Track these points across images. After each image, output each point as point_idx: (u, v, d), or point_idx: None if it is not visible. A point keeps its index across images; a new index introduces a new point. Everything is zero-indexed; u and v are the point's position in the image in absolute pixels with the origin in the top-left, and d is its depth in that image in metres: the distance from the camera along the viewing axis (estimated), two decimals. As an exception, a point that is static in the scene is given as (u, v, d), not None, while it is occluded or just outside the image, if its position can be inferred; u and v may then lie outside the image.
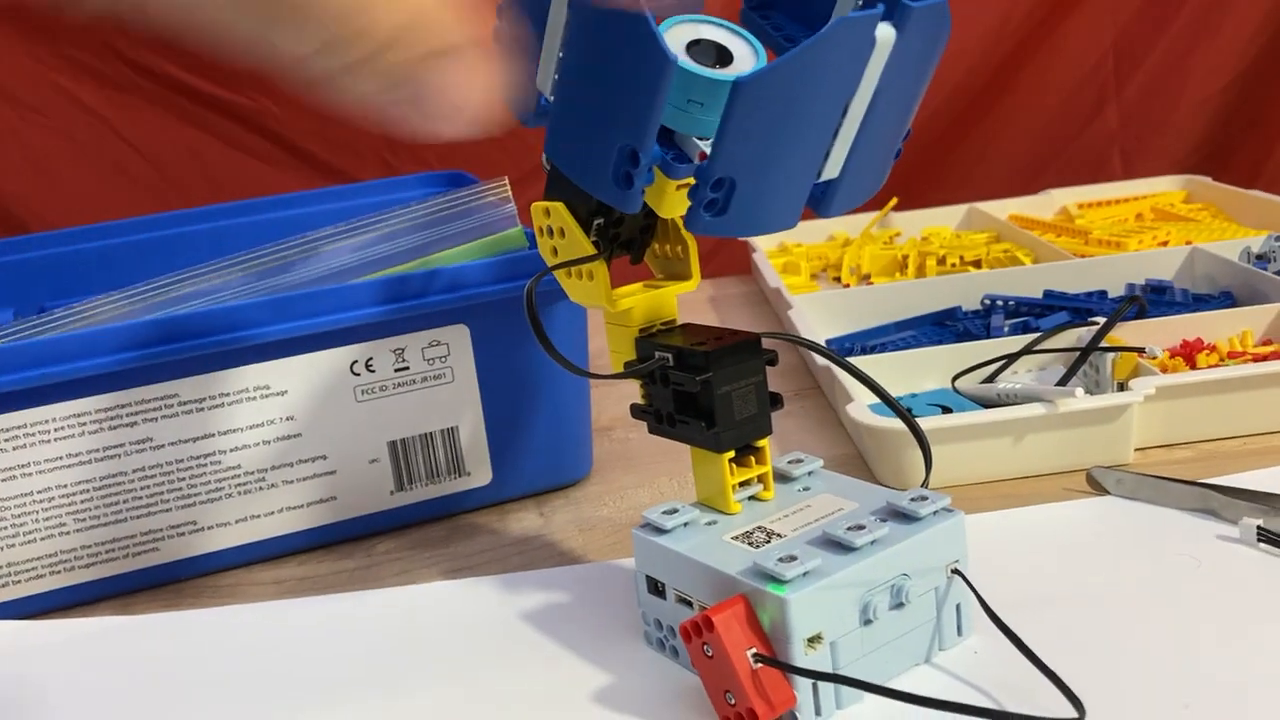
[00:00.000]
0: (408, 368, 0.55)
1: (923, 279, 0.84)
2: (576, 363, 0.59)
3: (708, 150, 0.38)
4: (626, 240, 0.46)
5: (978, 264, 0.88)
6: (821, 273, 0.95)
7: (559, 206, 0.44)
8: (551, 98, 0.39)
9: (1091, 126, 1.27)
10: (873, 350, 0.73)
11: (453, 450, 0.57)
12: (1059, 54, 1.26)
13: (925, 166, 1.22)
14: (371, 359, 0.54)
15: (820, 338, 0.75)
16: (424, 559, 0.54)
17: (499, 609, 0.48)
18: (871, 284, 0.87)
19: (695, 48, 0.40)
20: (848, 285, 0.89)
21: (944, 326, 0.76)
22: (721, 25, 0.41)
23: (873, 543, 0.39)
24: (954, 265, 0.87)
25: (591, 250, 0.44)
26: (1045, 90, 1.27)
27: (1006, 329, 0.73)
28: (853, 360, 0.65)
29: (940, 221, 1.00)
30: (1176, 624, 0.42)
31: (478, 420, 0.57)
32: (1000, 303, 0.76)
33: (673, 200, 0.40)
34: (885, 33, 0.34)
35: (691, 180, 0.37)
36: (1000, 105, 1.26)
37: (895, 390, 0.63)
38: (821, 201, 0.38)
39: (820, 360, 0.63)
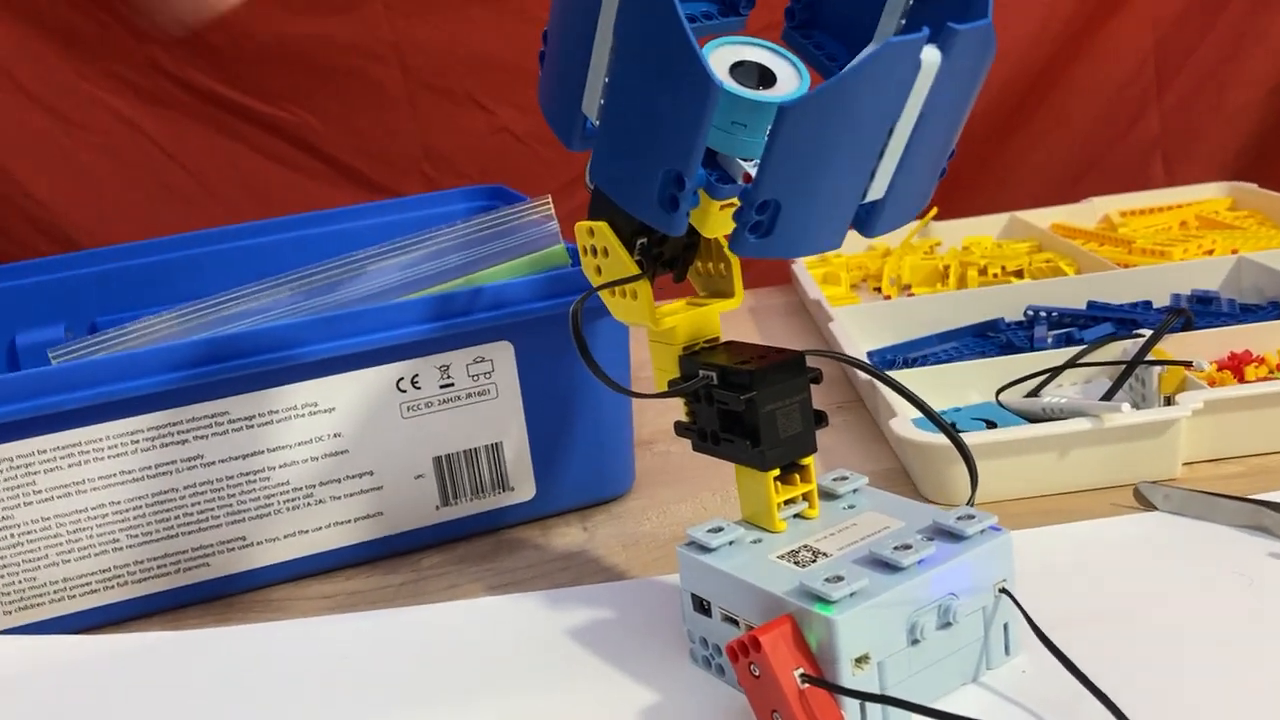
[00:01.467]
0: (453, 384, 0.55)
1: (964, 290, 0.84)
2: (618, 377, 0.59)
3: (751, 171, 0.39)
4: (670, 259, 0.46)
5: (1020, 274, 0.87)
6: (862, 283, 0.95)
7: (603, 226, 0.44)
8: (597, 122, 0.39)
9: (1133, 132, 1.26)
10: (915, 363, 0.73)
11: (497, 466, 0.57)
12: (1099, 59, 1.25)
13: (966, 175, 1.21)
14: (417, 376, 0.55)
15: (861, 350, 0.75)
16: (470, 574, 0.55)
17: (545, 625, 0.49)
18: (912, 295, 0.87)
19: (739, 69, 0.40)
20: (888, 296, 0.89)
21: (986, 338, 0.76)
22: (764, 46, 0.41)
23: (919, 562, 0.39)
24: (995, 275, 0.87)
25: (635, 270, 0.44)
26: (1086, 96, 1.26)
27: (1050, 340, 0.72)
28: (895, 374, 0.65)
29: (981, 231, 1.00)
30: (1227, 643, 0.42)
31: (521, 436, 0.57)
32: (1043, 314, 0.75)
33: (716, 220, 0.41)
34: (931, 56, 0.34)
35: (735, 201, 0.37)
36: (1040, 112, 1.25)
37: (938, 405, 0.63)
38: (866, 222, 0.38)
39: (863, 375, 0.63)
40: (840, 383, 0.75)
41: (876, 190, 0.37)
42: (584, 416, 0.59)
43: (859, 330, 0.76)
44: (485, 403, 0.56)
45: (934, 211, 0.99)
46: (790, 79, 0.40)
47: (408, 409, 0.55)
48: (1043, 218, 0.99)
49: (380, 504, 0.56)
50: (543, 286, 0.55)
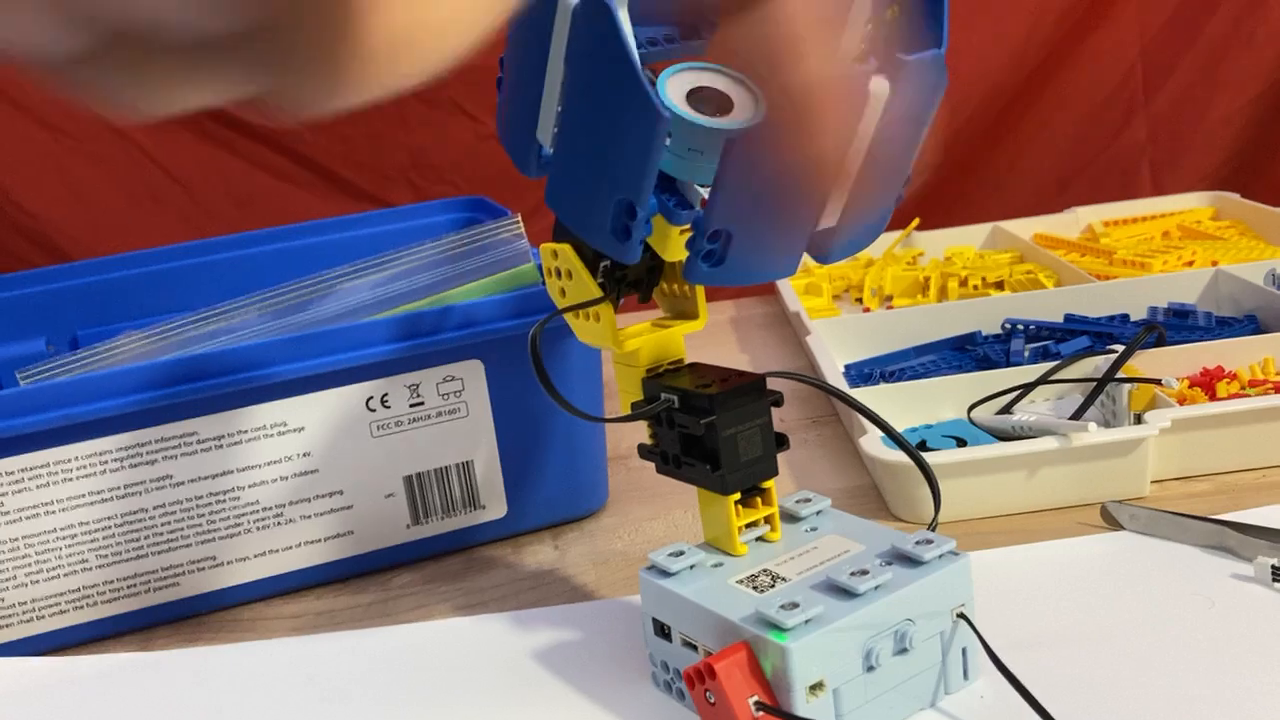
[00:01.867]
0: (423, 403, 0.55)
1: (942, 303, 0.84)
2: (591, 395, 0.60)
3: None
4: (634, 280, 0.47)
5: (1000, 285, 0.87)
6: (844, 294, 0.95)
7: (566, 248, 0.44)
8: (551, 150, 0.40)
9: (1120, 139, 1.26)
10: (892, 376, 0.73)
11: (468, 484, 0.57)
12: (1086, 66, 1.25)
13: (951, 184, 1.21)
14: (387, 395, 0.55)
15: (839, 363, 0.75)
16: (439, 593, 0.55)
17: (509, 647, 0.49)
18: (892, 307, 0.87)
19: (696, 95, 0.40)
20: (869, 308, 0.89)
21: (964, 351, 0.76)
22: (722, 72, 0.41)
23: (876, 588, 0.39)
24: (976, 287, 0.87)
25: (598, 293, 0.44)
26: (1073, 103, 1.26)
27: (1027, 354, 0.72)
28: (871, 389, 0.65)
29: (964, 241, 1.00)
30: (1186, 666, 0.42)
31: (492, 454, 0.57)
32: (1020, 327, 0.75)
33: (676, 244, 0.41)
34: (879, 87, 0.34)
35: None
36: (1027, 119, 1.25)
37: (911, 420, 0.64)
38: (821, 249, 0.38)
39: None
40: (816, 397, 0.75)
41: (829, 218, 0.37)
42: (556, 434, 0.59)
43: (837, 343, 0.76)
44: (456, 421, 0.56)
45: (916, 222, 0.99)
46: (746, 105, 0.40)
47: (378, 428, 0.55)
48: (1025, 228, 0.99)
49: (350, 523, 0.56)
50: (512, 305, 0.55)
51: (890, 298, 0.90)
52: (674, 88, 0.40)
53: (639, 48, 0.45)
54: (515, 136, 0.41)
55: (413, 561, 0.58)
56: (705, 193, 0.40)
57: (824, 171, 0.35)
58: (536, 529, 0.60)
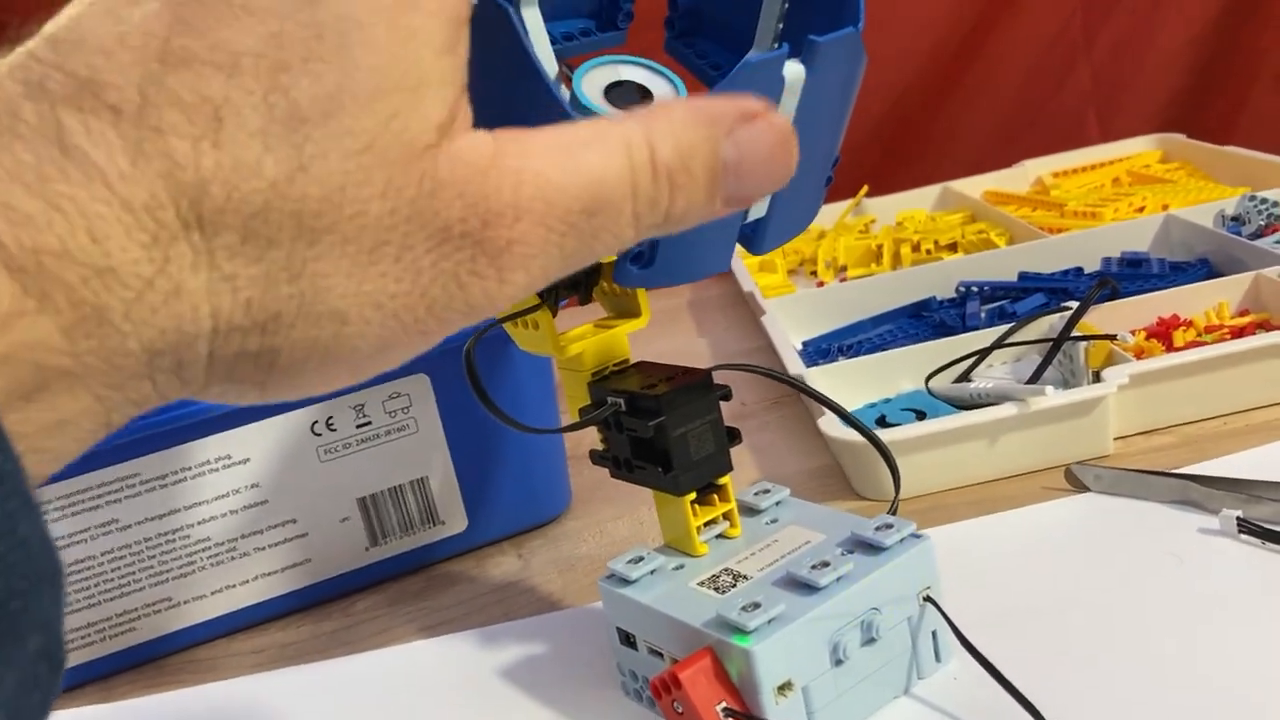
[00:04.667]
0: (370, 422, 0.54)
1: (896, 270, 0.83)
2: (543, 400, 0.58)
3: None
4: (572, 283, 0.45)
5: (953, 247, 0.87)
6: (799, 267, 0.94)
7: (498, 257, 0.43)
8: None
9: (1064, 88, 1.25)
10: (849, 350, 0.72)
11: (424, 500, 0.56)
12: (1025, 15, 1.24)
13: (899, 148, 1.20)
14: (331, 418, 0.53)
15: (796, 340, 0.74)
16: (403, 615, 0.54)
17: (476, 666, 0.48)
18: (846, 280, 0.86)
19: (616, 90, 0.39)
20: (823, 282, 0.88)
21: (921, 318, 0.75)
22: (642, 64, 0.40)
23: (838, 580, 0.38)
24: (929, 251, 0.86)
25: (535, 300, 0.43)
26: (1014, 55, 1.25)
27: (983, 315, 0.72)
28: (827, 367, 0.64)
29: (915, 204, 0.99)
30: (1158, 628, 0.41)
31: (447, 468, 0.56)
32: (975, 289, 0.75)
33: (608, 245, 0.40)
34: (794, 71, 0.33)
35: None
36: (969, 76, 1.24)
37: (871, 395, 0.63)
38: (753, 240, 0.37)
39: (794, 370, 0.62)
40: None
41: (757, 210, 0.36)
42: (512, 441, 0.57)
43: (793, 320, 0.75)
44: (406, 438, 0.55)
45: (864, 190, 0.98)
46: (667, 97, 0.39)
47: (325, 452, 0.54)
48: (975, 186, 0.98)
49: (306, 551, 0.55)
50: (454, 315, 0.54)
51: (844, 268, 0.89)
52: (592, 83, 0.39)
53: (555, 43, 0.43)
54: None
55: (375, 584, 0.57)
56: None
57: None
58: (500, 539, 0.59)
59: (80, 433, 0.22)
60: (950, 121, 1.24)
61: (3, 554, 0.18)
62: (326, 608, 0.56)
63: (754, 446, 0.64)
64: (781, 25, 0.41)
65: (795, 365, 0.63)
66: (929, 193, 0.99)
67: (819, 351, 0.73)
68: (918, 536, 0.41)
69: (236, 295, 0.22)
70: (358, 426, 0.54)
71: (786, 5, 0.40)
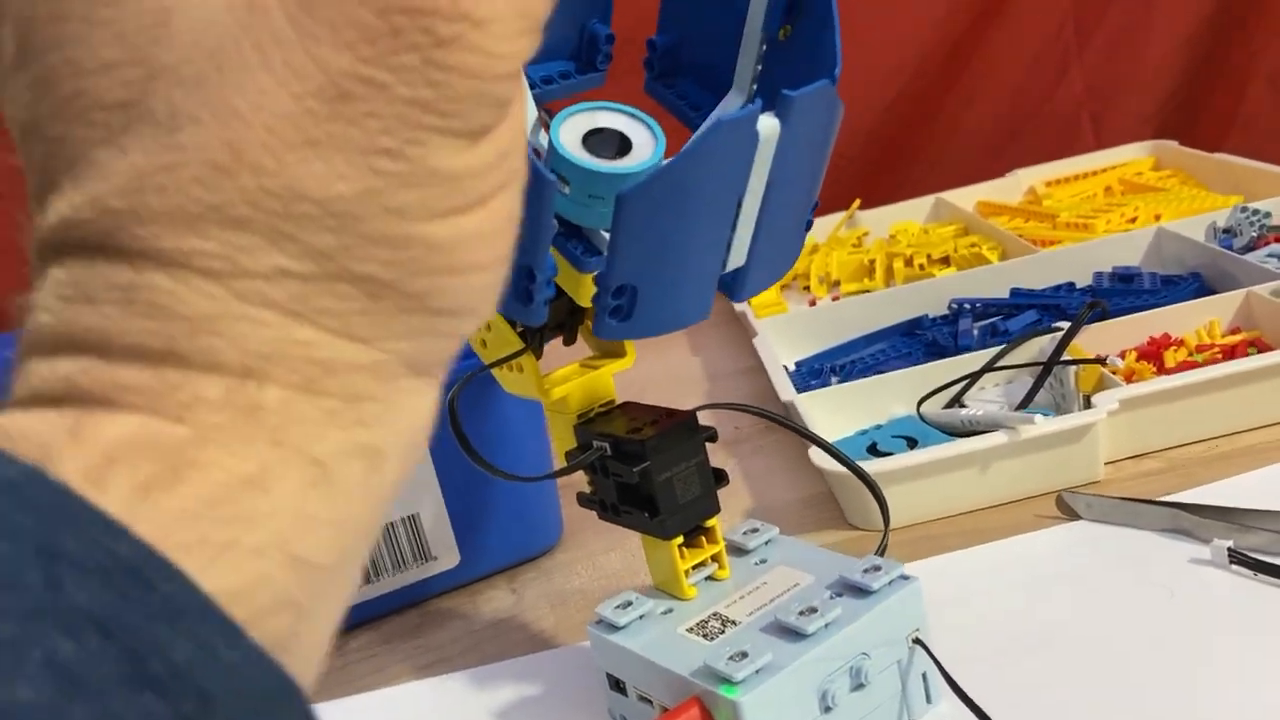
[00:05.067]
0: (360, 461, 0.54)
1: (889, 288, 0.83)
2: (535, 437, 0.58)
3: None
4: (556, 324, 0.45)
5: (946, 261, 0.87)
6: (792, 283, 0.94)
7: (483, 302, 0.43)
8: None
9: (1057, 94, 1.25)
10: (842, 370, 0.72)
11: (416, 537, 0.56)
12: (1016, 22, 1.24)
13: (890, 160, 1.20)
14: (322, 458, 0.53)
15: (789, 360, 0.74)
16: (397, 653, 0.54)
17: (469, 707, 0.48)
18: (839, 299, 0.86)
19: (594, 138, 0.39)
20: (816, 298, 0.88)
21: (913, 336, 0.75)
22: (620, 110, 0.40)
23: (826, 626, 0.38)
24: (921, 266, 0.86)
25: (519, 344, 0.43)
26: (1008, 61, 1.24)
27: (975, 333, 0.71)
28: (818, 393, 0.64)
29: (908, 216, 0.99)
30: (1150, 662, 0.41)
31: (438, 504, 0.56)
32: (967, 306, 0.75)
33: (589, 290, 0.39)
34: (769, 125, 0.33)
35: None
36: (960, 84, 1.23)
37: (863, 421, 0.63)
38: (733, 288, 0.37)
39: (784, 397, 0.62)
40: (769, 403, 0.74)
41: (736, 259, 0.36)
42: (502, 475, 0.57)
43: (785, 340, 0.75)
44: (396, 476, 0.55)
45: (857, 203, 0.98)
46: (645, 145, 0.39)
47: (316, 493, 0.54)
48: (968, 197, 0.98)
49: (299, 591, 0.55)
50: (442, 352, 0.54)
51: (838, 283, 0.89)
52: (570, 131, 0.38)
53: (533, 88, 0.43)
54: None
55: (368, 621, 0.57)
56: (612, 237, 0.39)
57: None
58: (493, 573, 0.59)
59: None
60: (943, 131, 1.24)
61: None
62: (320, 647, 0.56)
63: (748, 473, 0.64)
64: (760, 67, 0.41)
65: (786, 388, 0.63)
66: (922, 204, 0.99)
67: (812, 372, 0.73)
68: (906, 578, 0.41)
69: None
70: (348, 466, 0.54)
71: (764, 48, 0.40)
